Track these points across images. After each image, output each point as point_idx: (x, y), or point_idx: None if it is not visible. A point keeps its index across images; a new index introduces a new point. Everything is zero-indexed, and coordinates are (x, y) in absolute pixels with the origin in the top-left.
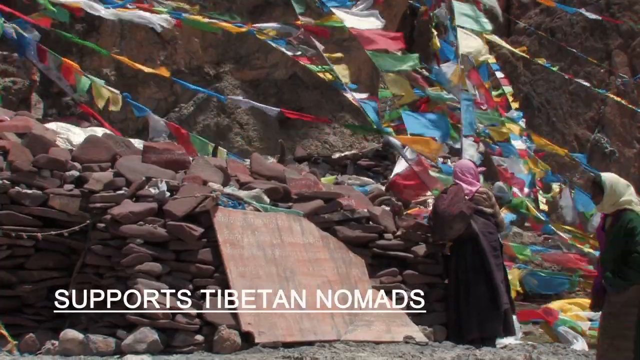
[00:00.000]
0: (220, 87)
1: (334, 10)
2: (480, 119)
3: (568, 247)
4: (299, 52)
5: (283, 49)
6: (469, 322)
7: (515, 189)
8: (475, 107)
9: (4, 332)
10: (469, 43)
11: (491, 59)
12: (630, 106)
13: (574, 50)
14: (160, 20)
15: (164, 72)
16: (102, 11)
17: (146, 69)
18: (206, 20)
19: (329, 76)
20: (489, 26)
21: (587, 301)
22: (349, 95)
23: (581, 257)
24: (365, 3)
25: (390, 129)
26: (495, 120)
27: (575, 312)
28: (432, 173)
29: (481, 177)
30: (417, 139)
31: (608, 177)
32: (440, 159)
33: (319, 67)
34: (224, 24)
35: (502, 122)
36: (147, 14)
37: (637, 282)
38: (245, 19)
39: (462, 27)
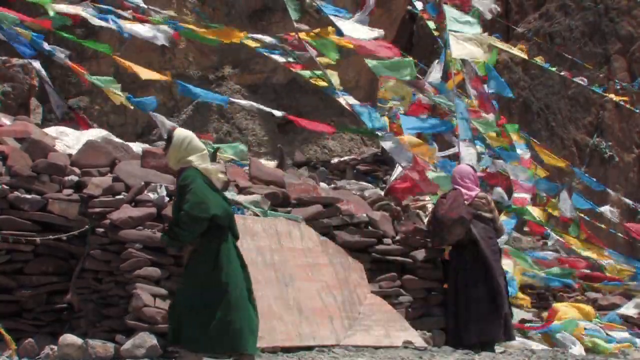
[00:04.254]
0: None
1: (331, 18)
2: (478, 126)
3: (567, 251)
4: (292, 59)
5: (276, 57)
6: (469, 326)
7: (516, 194)
8: (472, 114)
9: (7, 336)
10: (461, 47)
11: (483, 60)
12: (628, 106)
13: (571, 56)
14: (160, 33)
15: (167, 76)
16: (104, 23)
17: (147, 73)
18: (202, 30)
19: (322, 82)
20: (477, 29)
21: (584, 307)
22: (342, 101)
23: (581, 260)
24: (361, 15)
25: (384, 132)
26: (493, 128)
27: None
28: (430, 174)
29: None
30: (414, 142)
31: (181, 131)
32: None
33: (312, 73)
34: (218, 32)
35: (498, 131)
36: (148, 28)
37: (187, 240)
38: (244, 24)
39: (454, 32)
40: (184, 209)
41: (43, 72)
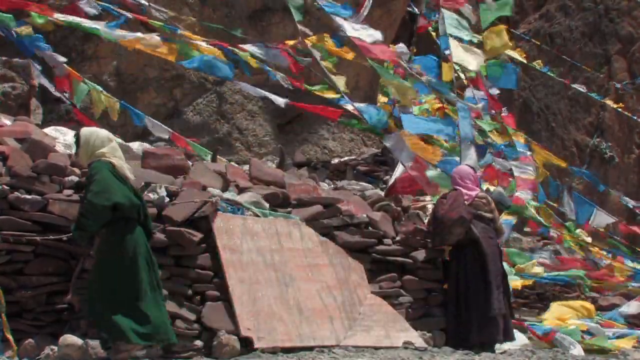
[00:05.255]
0: (220, 91)
1: (334, 17)
2: (481, 124)
3: (568, 250)
4: (290, 81)
5: (275, 75)
6: (469, 327)
7: (518, 193)
8: (473, 115)
9: (10, 337)
10: (460, 53)
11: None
12: (626, 113)
13: (571, 57)
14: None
15: (171, 56)
16: (101, 29)
17: (155, 43)
18: (198, 39)
19: (326, 94)
20: (470, 37)
21: (584, 304)
22: (349, 106)
23: (581, 260)
24: (357, 19)
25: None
26: (495, 127)
27: (572, 321)
28: (431, 173)
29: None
30: (417, 143)
31: (86, 130)
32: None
33: (317, 87)
34: (212, 49)
35: (504, 128)
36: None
37: (92, 229)
38: (243, 25)
39: (453, 36)
40: (87, 198)
41: (44, 81)
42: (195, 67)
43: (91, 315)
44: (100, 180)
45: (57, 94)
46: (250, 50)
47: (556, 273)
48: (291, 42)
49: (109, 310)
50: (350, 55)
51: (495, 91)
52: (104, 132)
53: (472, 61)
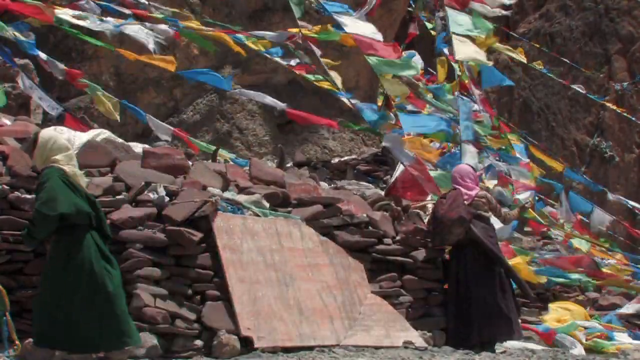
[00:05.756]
0: (219, 91)
1: (334, 16)
2: (477, 129)
3: (567, 249)
4: (295, 62)
5: (278, 59)
6: (469, 326)
7: (517, 196)
8: (473, 116)
9: (16, 338)
10: (463, 49)
11: (489, 63)
12: (625, 114)
13: (571, 56)
14: (158, 33)
15: (170, 65)
16: (100, 25)
17: (152, 59)
18: (203, 28)
19: (324, 84)
20: (484, 31)
21: (580, 308)
22: (346, 101)
23: (581, 258)
24: (360, 14)
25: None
26: (491, 131)
27: (572, 322)
28: (432, 173)
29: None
30: (415, 141)
31: (45, 133)
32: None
33: (314, 76)
34: (220, 34)
35: (500, 134)
36: (145, 31)
37: (40, 237)
38: (244, 24)
39: (457, 34)
40: (35, 206)
41: (28, 82)
42: (194, 78)
43: (34, 319)
44: (49, 188)
45: (48, 102)
46: (256, 34)
47: (559, 273)
48: (294, 30)
49: (48, 316)
50: (352, 42)
51: (477, 91)
52: (62, 139)
53: (477, 57)
